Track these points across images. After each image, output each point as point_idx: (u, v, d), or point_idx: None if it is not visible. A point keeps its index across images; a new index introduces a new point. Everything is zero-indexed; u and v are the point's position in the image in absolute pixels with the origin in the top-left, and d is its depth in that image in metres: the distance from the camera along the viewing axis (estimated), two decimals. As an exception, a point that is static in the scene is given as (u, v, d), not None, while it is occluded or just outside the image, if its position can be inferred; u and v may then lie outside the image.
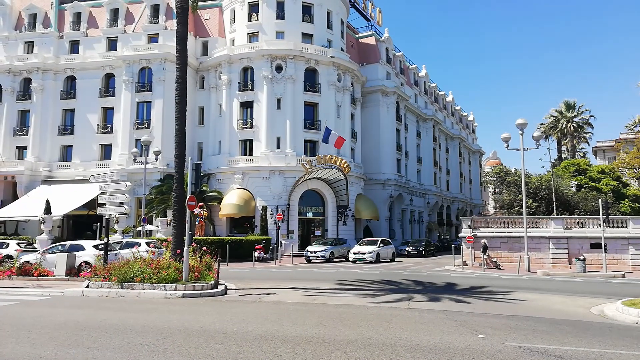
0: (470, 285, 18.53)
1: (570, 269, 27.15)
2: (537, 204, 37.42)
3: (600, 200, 27.18)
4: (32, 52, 47.44)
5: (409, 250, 41.92)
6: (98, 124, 45.54)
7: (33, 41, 47.94)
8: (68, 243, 22.71)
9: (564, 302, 14.32)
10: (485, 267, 26.96)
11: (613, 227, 28.17)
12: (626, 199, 42.01)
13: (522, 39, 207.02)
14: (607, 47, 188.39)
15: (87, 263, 19.98)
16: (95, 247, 21.10)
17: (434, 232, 65.13)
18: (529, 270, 26.10)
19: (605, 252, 25.90)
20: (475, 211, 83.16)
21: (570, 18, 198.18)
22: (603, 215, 25.98)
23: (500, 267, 27.83)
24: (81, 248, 21.16)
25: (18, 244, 26.91)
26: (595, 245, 27.52)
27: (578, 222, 29.66)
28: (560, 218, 30.22)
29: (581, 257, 25.72)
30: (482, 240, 29.53)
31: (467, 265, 29.16)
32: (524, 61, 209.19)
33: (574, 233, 28.94)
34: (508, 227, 30.73)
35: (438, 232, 66.08)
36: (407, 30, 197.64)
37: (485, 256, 27.92)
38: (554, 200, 35.45)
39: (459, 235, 34.51)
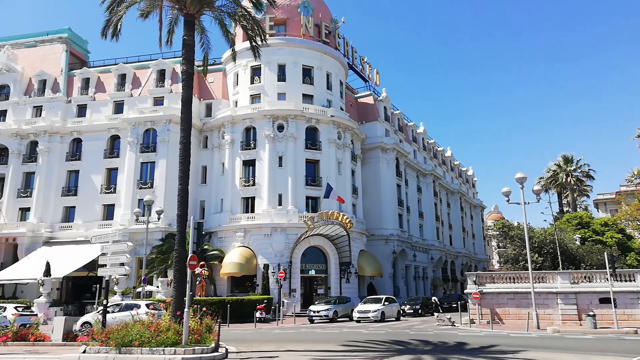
0: (480, 344, 17.98)
1: (581, 325, 26.38)
2: (542, 259, 36.90)
3: (605, 253, 26.90)
4: (40, 115, 48.74)
5: (405, 309, 38.75)
6: (102, 185, 46.00)
7: (41, 105, 49.37)
8: None
9: (577, 361, 13.83)
10: (436, 323, 28.70)
11: (621, 280, 27.65)
12: (632, 252, 41.48)
13: (518, 96, 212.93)
14: (603, 101, 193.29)
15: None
16: None
17: (439, 288, 63.85)
18: (538, 328, 25.39)
19: (615, 307, 25.30)
20: (479, 266, 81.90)
21: (565, 75, 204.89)
22: (610, 269, 25.61)
23: (455, 324, 28.17)
24: None
25: (15, 308, 26.26)
26: (604, 300, 26.90)
27: (585, 277, 29.13)
28: (567, 272, 29.73)
29: (591, 313, 25.09)
30: (433, 298, 31.57)
31: (474, 322, 28.41)
32: (520, 116, 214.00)
33: (582, 288, 28.35)
34: (514, 282, 30.17)
35: (443, 288, 64.75)
36: (404, 88, 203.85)
37: (438, 313, 29.61)
38: (558, 254, 35.04)
39: (465, 291, 33.83)
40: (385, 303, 34.17)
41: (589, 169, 56.47)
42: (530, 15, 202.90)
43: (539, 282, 29.06)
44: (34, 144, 47.77)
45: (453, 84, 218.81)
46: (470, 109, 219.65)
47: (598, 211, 66.63)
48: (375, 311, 32.47)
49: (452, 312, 42.10)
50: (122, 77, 49.30)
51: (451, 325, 27.77)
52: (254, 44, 22.84)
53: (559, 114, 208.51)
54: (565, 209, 55.47)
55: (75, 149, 47.98)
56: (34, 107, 49.60)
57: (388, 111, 58.43)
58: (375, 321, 31.83)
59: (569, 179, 54.47)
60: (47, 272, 36.13)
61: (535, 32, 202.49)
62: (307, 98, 46.52)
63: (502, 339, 20.48)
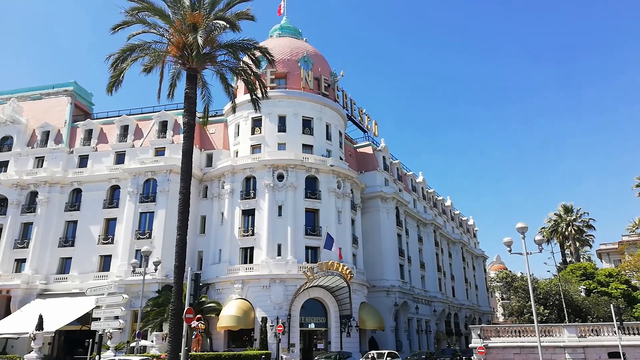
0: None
1: (591, 382, 25.38)
2: (548, 311, 36.07)
3: (612, 305, 26.29)
4: (41, 166, 48.88)
5: None
6: (99, 235, 45.57)
7: (43, 156, 49.67)
8: None
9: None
10: None
11: (629, 334, 26.86)
12: (638, 303, 40.58)
13: (516, 144, 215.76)
14: (601, 149, 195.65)
15: None
16: None
17: (443, 342, 61.87)
18: (548, 385, 24.38)
19: (626, 362, 24.43)
20: (484, 319, 79.77)
21: (562, 118, 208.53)
22: (617, 321, 24.93)
23: None
24: None
25: None
26: (614, 355, 26.02)
27: (592, 330, 28.33)
28: (573, 325, 28.94)
29: (601, 369, 24.20)
30: (372, 353, 32.73)
31: (480, 379, 27.33)
32: (518, 166, 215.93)
33: (590, 342, 27.50)
34: (520, 336, 29.29)
35: (447, 342, 62.76)
36: (402, 137, 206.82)
37: None
38: (564, 306, 34.26)
39: (469, 345, 32.76)
40: (388, 358, 33.09)
41: (589, 219, 56.46)
42: (527, 70, 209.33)
43: (546, 336, 28.23)
44: (33, 195, 47.71)
45: (450, 134, 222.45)
46: (468, 158, 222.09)
47: (601, 261, 65.81)
48: (377, 367, 31.42)
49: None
50: (125, 129, 49.95)
51: None
52: (254, 97, 23.43)
53: (557, 163, 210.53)
54: (568, 259, 54.91)
55: (75, 199, 47.92)
56: (36, 157, 49.92)
57: (387, 161, 58.94)
58: (378, 378, 30.72)
59: (570, 229, 54.28)
60: (40, 326, 35.07)
61: (535, 91, 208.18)
62: (307, 148, 47.05)
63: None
